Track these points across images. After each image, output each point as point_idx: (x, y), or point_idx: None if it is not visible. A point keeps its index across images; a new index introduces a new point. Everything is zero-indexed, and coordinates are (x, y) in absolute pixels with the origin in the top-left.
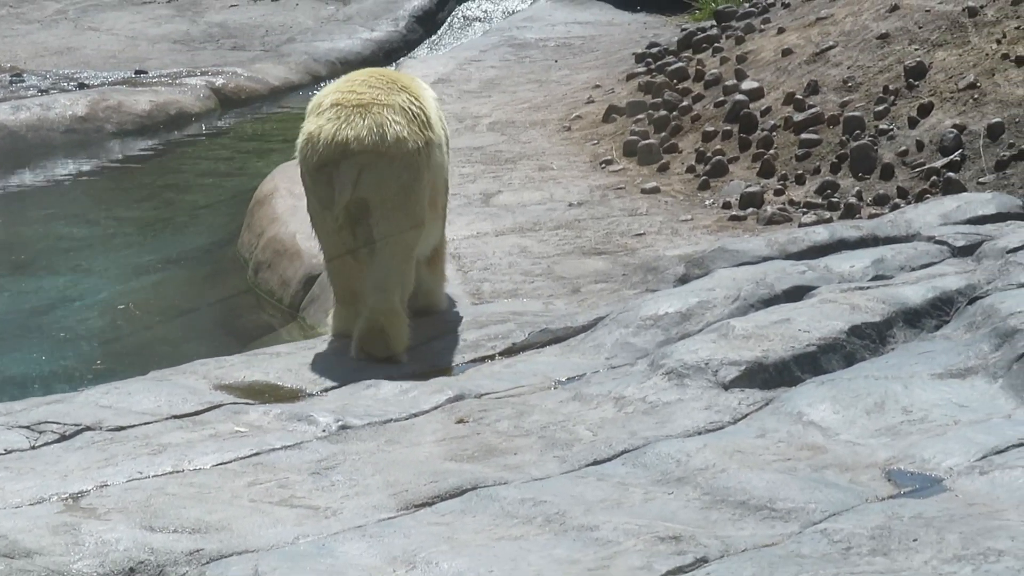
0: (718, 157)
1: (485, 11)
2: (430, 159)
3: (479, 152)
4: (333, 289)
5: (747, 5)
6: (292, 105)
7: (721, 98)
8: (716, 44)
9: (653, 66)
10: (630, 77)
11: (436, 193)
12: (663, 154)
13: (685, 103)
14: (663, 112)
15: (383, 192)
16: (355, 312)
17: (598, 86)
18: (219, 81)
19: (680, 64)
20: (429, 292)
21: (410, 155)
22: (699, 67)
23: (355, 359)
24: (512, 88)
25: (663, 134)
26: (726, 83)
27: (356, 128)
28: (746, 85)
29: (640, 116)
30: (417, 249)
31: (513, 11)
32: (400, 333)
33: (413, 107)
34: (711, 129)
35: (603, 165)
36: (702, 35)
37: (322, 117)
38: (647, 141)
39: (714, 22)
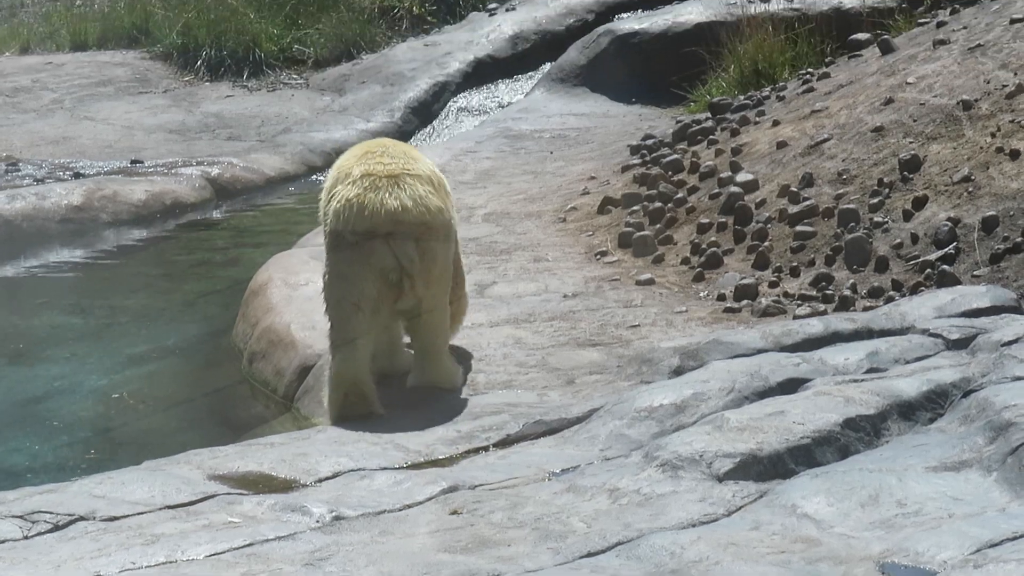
0: (713, 249)
1: (480, 102)
2: (454, 228)
3: (474, 243)
4: (333, 338)
5: (742, 98)
6: (288, 195)
7: (716, 190)
8: (711, 136)
9: (648, 158)
10: (625, 169)
11: (458, 255)
12: (658, 246)
13: (680, 195)
14: (658, 204)
15: (431, 262)
16: (358, 388)
17: (593, 178)
18: (215, 171)
19: (675, 156)
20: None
21: (448, 225)
22: (694, 159)
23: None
24: (507, 179)
25: (658, 226)
26: (721, 175)
27: (401, 198)
28: (741, 177)
29: (635, 208)
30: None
31: (508, 102)
32: (454, 382)
33: (435, 176)
34: (706, 221)
35: (598, 257)
36: (697, 127)
37: (356, 186)
38: (642, 233)
39: (709, 114)
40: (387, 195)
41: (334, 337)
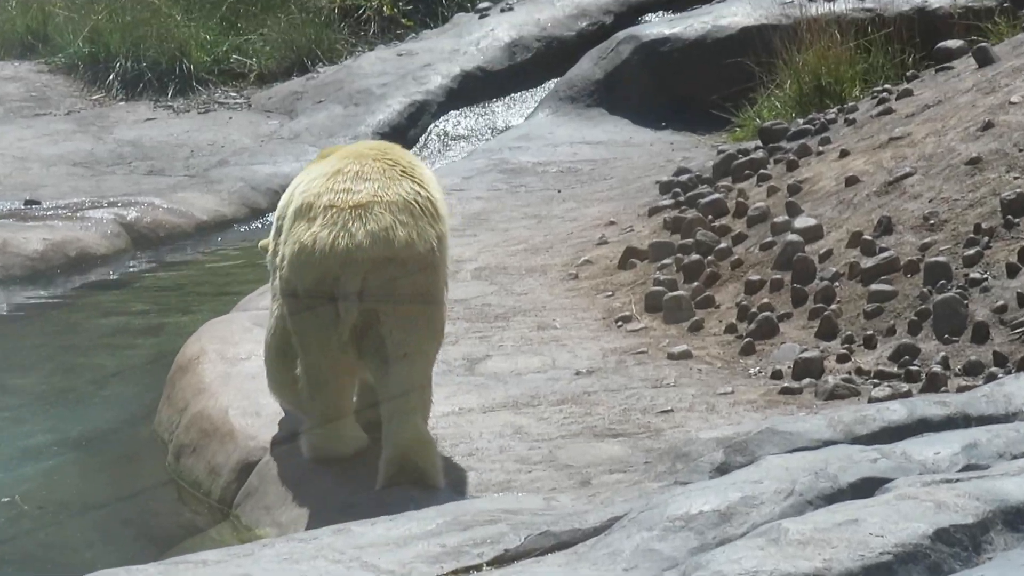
0: (765, 313)
1: (469, 127)
2: (444, 256)
3: (462, 306)
4: (313, 407)
5: (801, 121)
6: (224, 245)
7: (769, 239)
8: (762, 170)
9: (682, 198)
10: (653, 212)
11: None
12: (696, 309)
13: (723, 245)
14: (695, 256)
15: (394, 300)
16: (339, 430)
17: (613, 223)
18: (131, 214)
19: (717, 196)
20: None
21: (423, 255)
22: (741, 199)
23: (381, 487)
24: (504, 225)
25: (696, 284)
26: (775, 220)
27: (357, 235)
28: (800, 223)
29: (666, 261)
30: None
31: (505, 127)
32: (433, 462)
33: (419, 199)
34: (756, 278)
35: (619, 323)
36: (744, 159)
37: (315, 223)
38: (675, 293)
39: (759, 142)
40: (342, 232)
41: (311, 391)
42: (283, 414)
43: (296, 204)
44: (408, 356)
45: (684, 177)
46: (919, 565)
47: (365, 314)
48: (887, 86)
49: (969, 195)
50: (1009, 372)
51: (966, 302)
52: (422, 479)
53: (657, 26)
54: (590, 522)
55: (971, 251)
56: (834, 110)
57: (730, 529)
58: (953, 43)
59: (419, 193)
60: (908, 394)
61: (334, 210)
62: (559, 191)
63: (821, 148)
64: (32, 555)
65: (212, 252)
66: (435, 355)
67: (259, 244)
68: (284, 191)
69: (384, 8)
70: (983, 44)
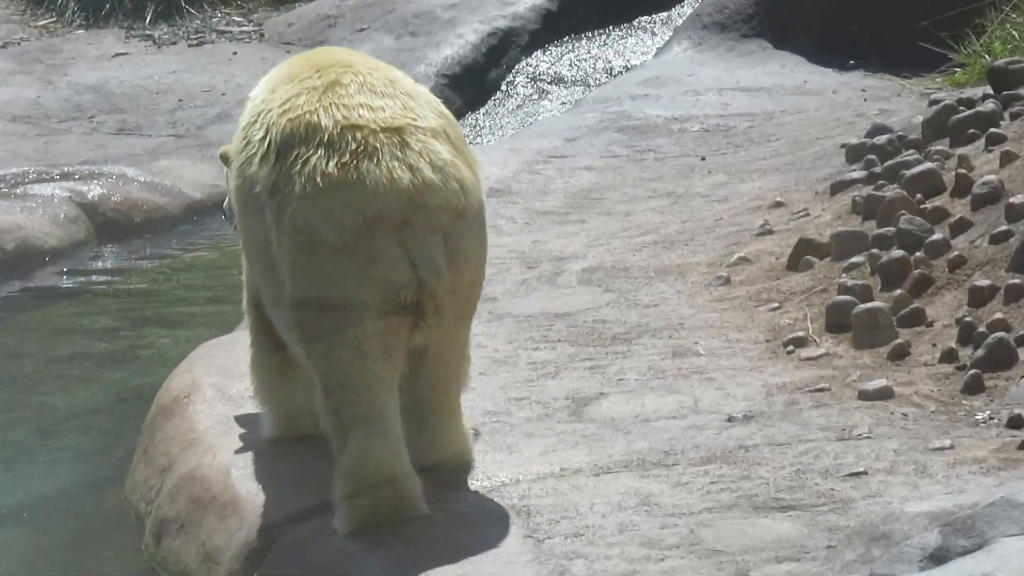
0: (999, 334)
1: (574, 67)
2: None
3: (565, 323)
4: (343, 427)
5: None
6: (225, 232)
7: (1003, 227)
8: (993, 129)
9: (879, 168)
10: (837, 188)
11: None
12: (898, 328)
13: (938, 236)
14: (898, 252)
15: (461, 269)
16: (393, 466)
17: (779, 204)
18: (94, 190)
19: (928, 165)
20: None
21: (481, 208)
22: (962, 170)
23: None
24: (623, 207)
25: (899, 292)
26: (1013, 200)
27: (421, 169)
28: None
29: (856, 259)
30: None
31: (625, 66)
32: (469, 451)
33: (451, 129)
34: (985, 283)
35: (789, 348)
36: (967, 112)
37: (334, 148)
38: (869, 305)
39: (989, 89)
40: (397, 164)
41: (336, 400)
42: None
43: (279, 131)
44: (452, 345)
45: (881, 139)
46: None
47: (415, 289)
48: None
49: None
50: None
51: None
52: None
53: None
54: None
55: None
56: None
57: None
58: None
59: (447, 119)
60: None
61: (360, 131)
62: (703, 158)
63: None
64: None
65: (207, 244)
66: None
67: (220, 153)
68: None
69: None
70: None
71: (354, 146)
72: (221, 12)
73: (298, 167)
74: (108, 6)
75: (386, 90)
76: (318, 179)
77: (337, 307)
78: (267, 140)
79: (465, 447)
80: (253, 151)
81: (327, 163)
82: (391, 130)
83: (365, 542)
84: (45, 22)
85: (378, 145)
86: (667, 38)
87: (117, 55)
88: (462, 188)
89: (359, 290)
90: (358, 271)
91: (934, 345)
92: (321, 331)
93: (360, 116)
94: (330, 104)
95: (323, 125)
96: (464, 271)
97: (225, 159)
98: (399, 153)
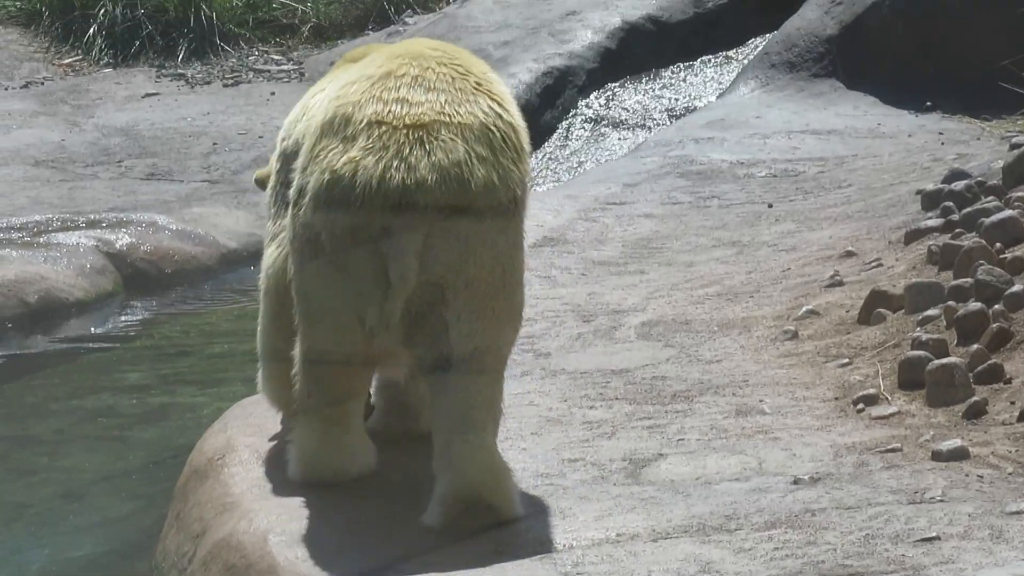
0: None
1: (634, 108)
2: (525, 205)
3: (622, 379)
4: (308, 404)
5: None
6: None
7: None
8: None
9: (956, 216)
10: (912, 237)
11: None
12: (975, 385)
13: (1018, 288)
14: (976, 305)
15: (468, 267)
16: (342, 437)
17: (851, 254)
18: (122, 239)
19: (1010, 213)
20: None
21: (504, 207)
22: None
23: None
24: (686, 256)
25: (976, 347)
26: None
27: (418, 168)
28: None
29: (931, 312)
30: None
31: (688, 107)
32: (508, 494)
33: (500, 124)
34: None
35: (859, 406)
36: None
37: (354, 145)
38: (944, 361)
39: None
40: (397, 161)
41: (308, 388)
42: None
43: (323, 116)
44: (480, 352)
45: (959, 185)
46: None
47: (425, 288)
48: None
49: None
50: None
51: None
52: (496, 516)
53: None
54: None
55: None
56: None
57: None
58: None
59: (500, 116)
60: None
61: (384, 128)
62: (770, 205)
63: None
64: None
65: (243, 296)
66: (512, 347)
67: (255, 176)
68: None
69: None
70: None
71: (369, 143)
72: (259, 50)
73: (319, 159)
74: (138, 43)
75: (438, 84)
76: (327, 175)
77: (328, 294)
78: (312, 122)
79: (499, 484)
80: (297, 127)
81: (339, 159)
82: (415, 127)
83: (317, 483)
84: (71, 60)
85: (392, 143)
86: (733, 77)
87: (147, 95)
88: (463, 187)
89: (348, 284)
90: (346, 264)
91: (1012, 403)
92: (312, 308)
93: (391, 111)
94: (372, 96)
95: (354, 119)
96: (478, 269)
97: (260, 183)
98: (406, 151)
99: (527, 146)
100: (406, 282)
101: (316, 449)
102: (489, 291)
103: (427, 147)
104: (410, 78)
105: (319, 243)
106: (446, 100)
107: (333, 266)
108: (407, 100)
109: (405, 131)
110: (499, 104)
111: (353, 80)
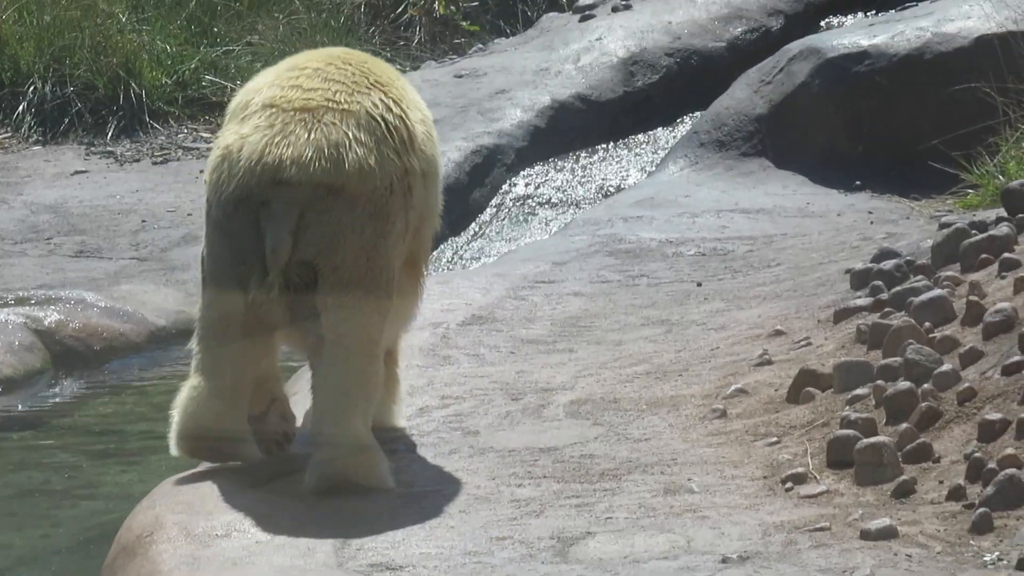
0: (1010, 471)
1: (563, 187)
2: (409, 200)
3: (550, 458)
4: (197, 365)
5: None
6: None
7: (1017, 357)
8: (1007, 254)
9: (885, 295)
10: (840, 316)
11: (418, 250)
12: (903, 464)
13: (947, 367)
14: (904, 384)
15: (337, 251)
16: (232, 405)
17: (780, 333)
18: (50, 316)
19: (938, 292)
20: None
21: (378, 194)
22: (974, 297)
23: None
24: (615, 335)
25: (904, 426)
26: None
27: (297, 145)
28: None
29: (860, 391)
30: (385, 338)
31: (617, 186)
32: (374, 473)
33: (389, 116)
34: (996, 417)
35: (788, 485)
36: (980, 237)
37: (247, 124)
38: (873, 440)
39: (1003, 212)
40: (280, 138)
41: (198, 350)
42: None
43: (233, 104)
44: (344, 341)
45: (889, 264)
46: None
47: (300, 268)
48: None
49: None
50: None
51: None
52: (364, 491)
53: (849, 34)
54: None
55: None
56: None
57: None
58: None
59: (390, 110)
60: None
61: (273, 111)
62: (699, 284)
63: None
64: None
65: (172, 374)
66: (381, 332)
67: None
68: None
69: (436, 5)
70: None
71: (260, 122)
72: (188, 128)
73: (220, 137)
74: (67, 121)
75: (335, 76)
76: (219, 152)
77: (212, 284)
78: (228, 112)
79: (370, 472)
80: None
81: (232, 138)
82: (303, 110)
83: (194, 454)
84: (0, 138)
85: (278, 123)
86: (662, 156)
87: (76, 173)
88: (335, 166)
89: (228, 251)
90: (230, 234)
91: (941, 482)
92: (208, 274)
93: (284, 95)
94: (272, 84)
95: (252, 103)
96: (338, 250)
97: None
98: (288, 129)
99: (422, 146)
100: (278, 255)
101: (196, 410)
102: (353, 278)
103: (308, 127)
104: (311, 70)
105: (211, 213)
106: (338, 90)
107: (220, 233)
108: (301, 87)
109: (293, 113)
110: (393, 101)
111: (264, 76)
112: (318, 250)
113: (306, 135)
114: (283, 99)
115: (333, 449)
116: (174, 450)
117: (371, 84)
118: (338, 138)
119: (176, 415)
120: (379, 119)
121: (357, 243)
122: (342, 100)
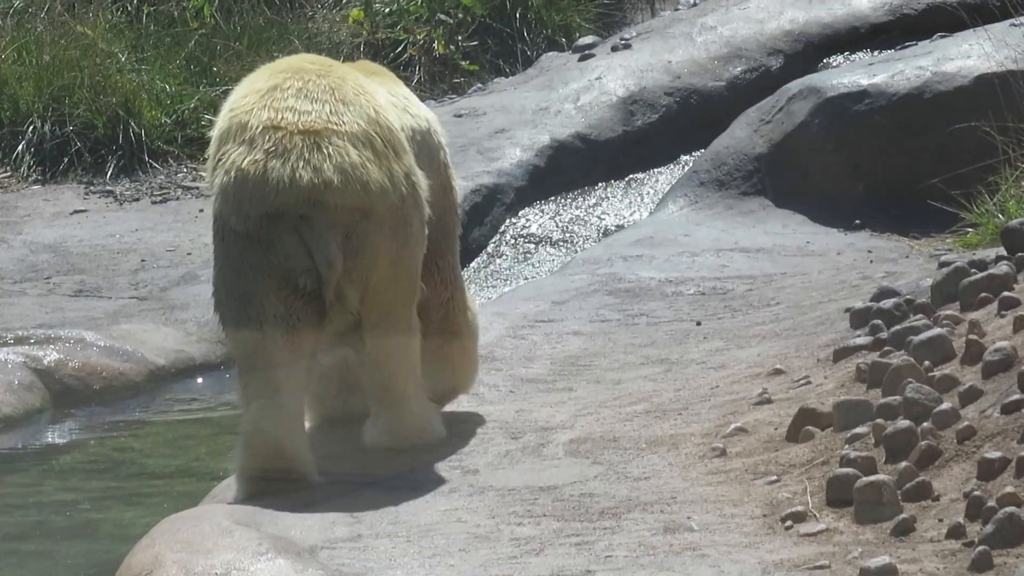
0: (1010, 509)
1: (562, 226)
2: (417, 196)
3: (550, 496)
4: (246, 394)
5: None
6: (191, 400)
7: (1016, 396)
8: (1007, 292)
9: (885, 334)
10: (840, 355)
11: (445, 245)
12: (903, 503)
13: (947, 406)
14: (904, 423)
15: (370, 261)
16: (299, 422)
17: (779, 372)
18: (50, 356)
19: (938, 331)
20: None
21: (396, 206)
22: (974, 336)
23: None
24: (614, 374)
25: (904, 464)
26: None
27: (323, 170)
28: None
29: (860, 430)
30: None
31: (617, 226)
32: (433, 432)
33: (377, 129)
34: (995, 456)
35: (788, 523)
36: (979, 275)
37: (254, 146)
38: (873, 478)
39: (1003, 251)
40: (301, 162)
41: (244, 378)
42: None
43: (221, 126)
44: (387, 330)
45: (888, 303)
46: None
47: (314, 278)
48: None
49: None
50: None
51: None
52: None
53: (849, 74)
54: None
55: None
56: None
57: None
58: None
59: (377, 122)
60: None
61: (280, 132)
62: (698, 323)
63: None
64: None
65: (172, 413)
66: (410, 326)
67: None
68: None
69: (435, 45)
70: None
71: (269, 145)
72: (187, 167)
73: (223, 161)
74: (66, 160)
75: (321, 96)
76: (233, 173)
77: (243, 290)
78: (213, 137)
79: (422, 428)
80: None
81: (243, 159)
82: (308, 132)
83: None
84: None
85: (290, 146)
86: (662, 196)
87: (76, 212)
88: (364, 190)
89: (260, 275)
90: (259, 258)
91: (941, 520)
92: (232, 312)
93: (283, 118)
94: (264, 106)
95: (250, 125)
96: (374, 266)
97: None
98: (307, 154)
99: (405, 144)
100: (332, 268)
101: (252, 431)
102: (385, 275)
103: (325, 151)
104: (294, 90)
105: (230, 232)
106: (331, 110)
107: (248, 250)
108: (296, 109)
109: (299, 135)
110: (373, 110)
111: (244, 94)
112: (360, 265)
113: (326, 160)
114: (283, 120)
115: (389, 411)
116: (240, 480)
117: (352, 96)
118: (356, 160)
119: (242, 441)
120: (373, 134)
121: (393, 255)
122: (337, 121)
